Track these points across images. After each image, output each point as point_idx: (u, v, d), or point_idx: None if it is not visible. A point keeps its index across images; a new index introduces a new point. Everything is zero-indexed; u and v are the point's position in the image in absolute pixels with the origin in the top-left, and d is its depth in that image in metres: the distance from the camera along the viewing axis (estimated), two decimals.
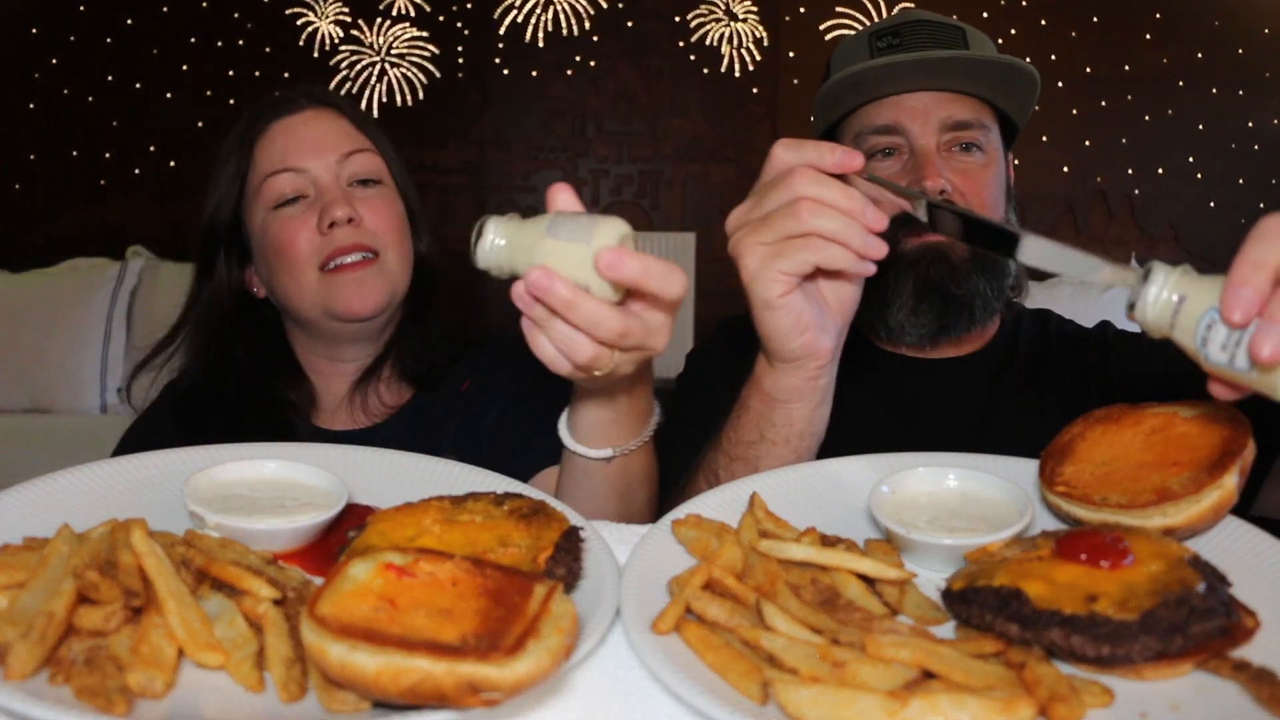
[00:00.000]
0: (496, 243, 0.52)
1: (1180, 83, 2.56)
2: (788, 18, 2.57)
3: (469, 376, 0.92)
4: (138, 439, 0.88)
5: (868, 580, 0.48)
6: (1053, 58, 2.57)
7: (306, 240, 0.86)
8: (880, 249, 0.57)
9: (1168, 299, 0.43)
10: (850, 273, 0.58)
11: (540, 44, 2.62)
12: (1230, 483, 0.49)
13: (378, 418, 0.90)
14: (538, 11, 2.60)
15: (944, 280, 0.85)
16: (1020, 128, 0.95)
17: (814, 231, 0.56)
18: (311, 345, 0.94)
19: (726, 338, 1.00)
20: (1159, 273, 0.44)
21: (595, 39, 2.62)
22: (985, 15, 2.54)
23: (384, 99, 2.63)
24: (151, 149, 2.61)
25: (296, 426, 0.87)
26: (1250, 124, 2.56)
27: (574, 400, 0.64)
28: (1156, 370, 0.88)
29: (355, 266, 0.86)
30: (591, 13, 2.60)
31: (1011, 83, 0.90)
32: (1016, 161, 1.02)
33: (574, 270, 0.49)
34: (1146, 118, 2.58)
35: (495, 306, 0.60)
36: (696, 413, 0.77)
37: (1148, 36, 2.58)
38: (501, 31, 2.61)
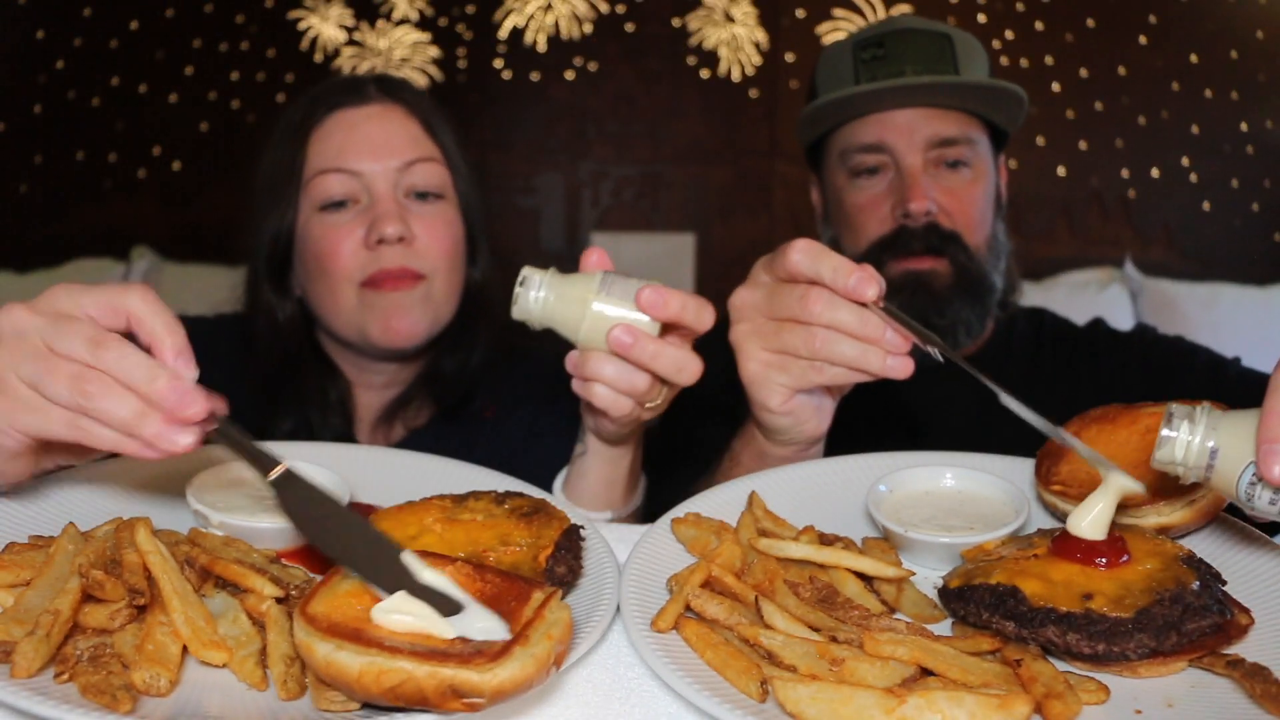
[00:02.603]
0: (541, 297, 0.55)
1: (1175, 86, 2.56)
2: (786, 21, 2.59)
3: (493, 403, 0.86)
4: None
5: (865, 578, 0.49)
6: (1048, 61, 2.58)
7: (350, 253, 0.78)
8: (904, 369, 0.54)
9: (1200, 448, 0.41)
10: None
11: (541, 47, 2.63)
12: None
13: (397, 440, 0.85)
14: (538, 15, 2.62)
15: (925, 309, 0.85)
16: (1010, 134, 0.95)
17: (826, 359, 0.55)
18: (340, 352, 0.87)
19: (725, 336, 1.01)
20: (1183, 422, 0.41)
21: (595, 42, 2.64)
22: (981, 19, 2.56)
23: None
24: (156, 151, 2.62)
25: (330, 431, 0.81)
26: (1244, 127, 2.56)
27: (575, 464, 0.64)
28: (1148, 367, 0.89)
29: (398, 286, 0.78)
30: (591, 16, 2.62)
31: (998, 99, 0.90)
32: (1013, 164, 1.02)
33: (626, 321, 0.53)
34: (1141, 120, 2.57)
35: (551, 339, 0.55)
36: (694, 412, 0.77)
37: (1142, 40, 2.58)
38: (502, 35, 2.63)
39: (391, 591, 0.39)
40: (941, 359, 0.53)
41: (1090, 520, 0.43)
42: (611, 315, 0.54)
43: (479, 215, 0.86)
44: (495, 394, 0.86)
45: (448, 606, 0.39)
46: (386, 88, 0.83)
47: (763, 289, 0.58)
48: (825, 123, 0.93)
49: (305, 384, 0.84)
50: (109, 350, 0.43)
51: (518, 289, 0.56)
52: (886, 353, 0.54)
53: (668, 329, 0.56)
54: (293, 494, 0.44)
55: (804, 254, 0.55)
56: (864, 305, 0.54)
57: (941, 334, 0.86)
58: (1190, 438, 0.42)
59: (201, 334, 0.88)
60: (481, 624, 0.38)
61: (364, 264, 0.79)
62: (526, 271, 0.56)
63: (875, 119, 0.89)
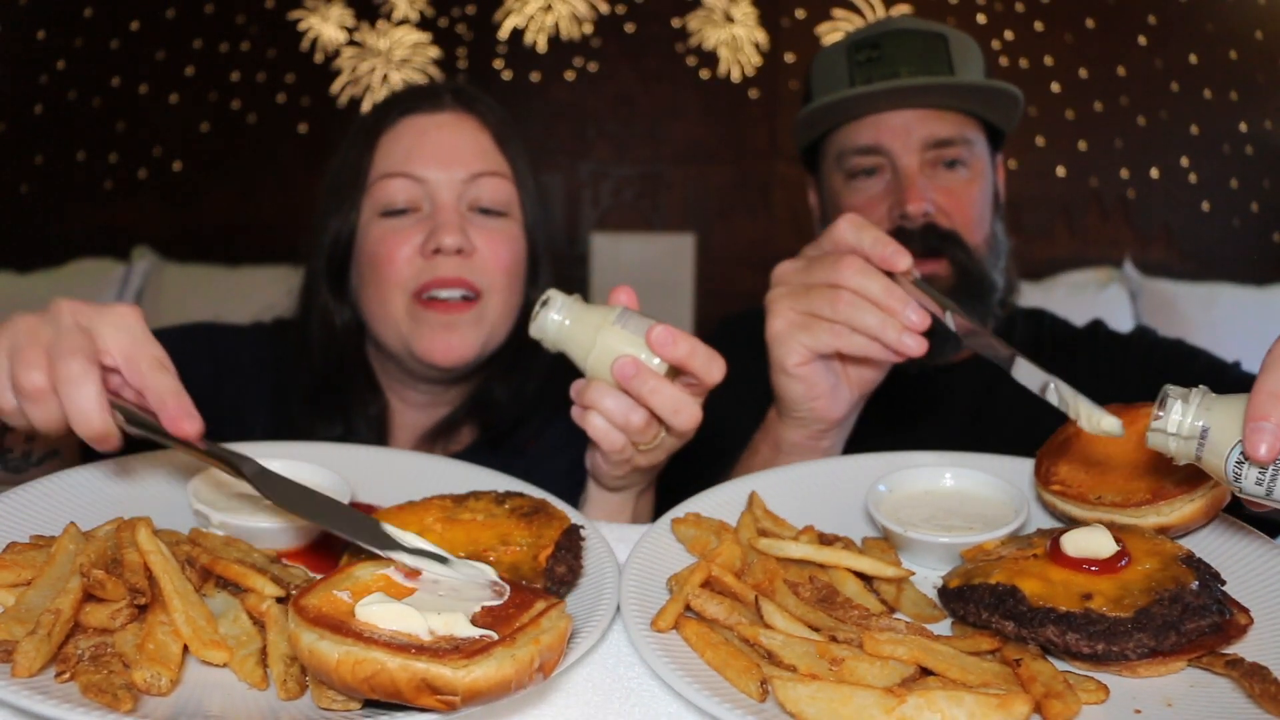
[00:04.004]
0: (560, 320, 0.57)
1: (1174, 86, 2.56)
2: (786, 22, 2.59)
3: (534, 437, 0.82)
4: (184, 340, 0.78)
5: (865, 578, 0.49)
6: (1047, 61, 2.58)
7: (405, 259, 0.75)
8: (917, 348, 0.57)
9: (1191, 428, 0.41)
10: (876, 360, 0.60)
11: (541, 48, 2.62)
12: None
13: None
14: (538, 15, 2.62)
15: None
16: (1007, 133, 0.95)
17: (847, 323, 0.58)
18: (384, 365, 0.82)
19: (726, 336, 1.00)
20: (1176, 402, 0.42)
21: (595, 43, 2.64)
22: (981, 20, 2.56)
23: None
24: (156, 151, 2.63)
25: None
26: (1243, 127, 2.55)
27: (584, 512, 0.64)
28: (1148, 370, 0.89)
29: (450, 307, 0.75)
30: (591, 17, 2.62)
31: (995, 99, 0.90)
32: (1013, 165, 1.01)
33: (633, 354, 0.56)
34: (1140, 121, 2.57)
35: None
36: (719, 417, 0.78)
37: (1142, 40, 2.58)
38: (502, 35, 2.62)
39: (386, 550, 0.42)
40: (953, 327, 0.55)
41: (1081, 551, 0.44)
42: (620, 346, 0.56)
43: (542, 236, 0.83)
44: (540, 428, 0.83)
45: (436, 559, 0.41)
46: (462, 98, 0.81)
47: (804, 259, 0.62)
48: (821, 125, 0.93)
49: (347, 394, 0.81)
50: (72, 381, 0.46)
51: (538, 308, 0.58)
52: (904, 328, 0.57)
53: (677, 376, 0.57)
54: (273, 485, 0.47)
55: (850, 224, 0.60)
56: (893, 277, 0.58)
57: (943, 335, 0.88)
58: (1182, 418, 0.42)
59: (232, 342, 0.85)
60: (468, 571, 0.41)
61: (418, 272, 0.76)
62: (551, 293, 0.58)
63: (871, 121, 0.89)
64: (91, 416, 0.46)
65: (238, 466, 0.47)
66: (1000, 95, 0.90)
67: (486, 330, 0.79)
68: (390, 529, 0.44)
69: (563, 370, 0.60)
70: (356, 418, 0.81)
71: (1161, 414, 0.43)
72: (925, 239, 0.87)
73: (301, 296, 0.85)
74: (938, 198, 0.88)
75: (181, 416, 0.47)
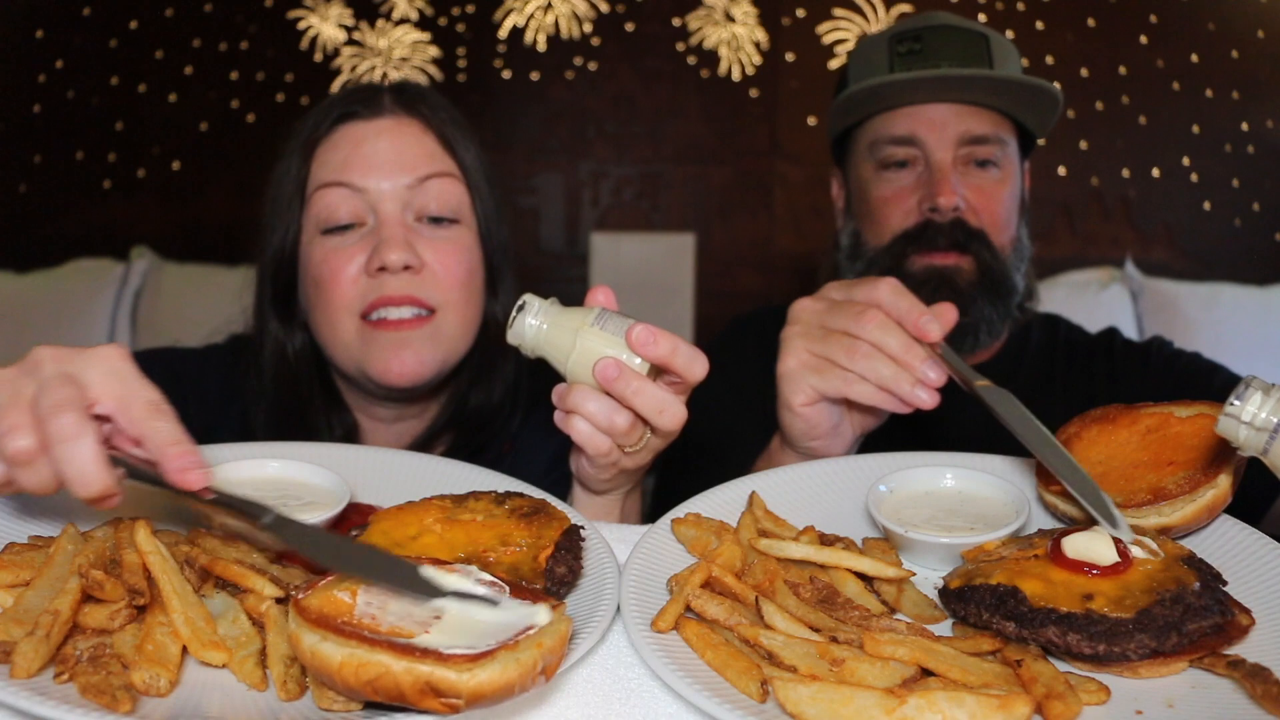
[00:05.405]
0: (537, 325, 0.56)
1: (1175, 85, 2.56)
2: (786, 21, 2.59)
3: (510, 438, 0.80)
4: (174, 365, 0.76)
5: (866, 578, 0.49)
6: (1048, 61, 2.58)
7: (350, 280, 0.71)
8: (930, 400, 0.57)
9: (1266, 420, 0.41)
10: (884, 409, 0.60)
11: (540, 47, 2.61)
12: (1224, 482, 0.50)
13: None
14: (538, 15, 2.62)
15: None
16: (1039, 138, 0.95)
17: (861, 374, 0.58)
18: (346, 385, 0.80)
19: (736, 336, 0.99)
20: (1256, 393, 0.41)
21: (595, 42, 2.64)
22: (983, 19, 2.57)
23: None
24: (155, 151, 2.63)
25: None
26: (1245, 126, 2.55)
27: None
28: (1164, 383, 0.88)
29: (402, 325, 0.71)
30: (591, 16, 2.62)
31: (1033, 99, 0.89)
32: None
33: (614, 355, 0.55)
34: (1142, 120, 2.57)
35: None
36: (699, 412, 0.78)
37: (1143, 39, 2.58)
38: (502, 34, 2.62)
39: (429, 598, 0.38)
40: (984, 400, 0.54)
41: (1081, 553, 0.44)
42: (600, 348, 0.55)
43: (500, 241, 0.78)
44: (514, 431, 0.81)
45: (486, 601, 0.38)
46: (403, 99, 0.76)
47: (825, 302, 0.62)
48: (857, 113, 0.92)
49: (312, 418, 0.79)
50: (66, 440, 0.42)
51: (515, 313, 0.57)
52: (918, 381, 0.57)
53: (659, 375, 0.57)
54: (297, 533, 0.44)
55: (891, 288, 0.59)
56: (922, 344, 0.57)
57: (963, 330, 0.86)
58: (1259, 409, 0.42)
59: (193, 367, 0.82)
60: (520, 610, 0.38)
61: (364, 292, 0.72)
62: (527, 298, 0.57)
63: (907, 112, 0.88)
64: (90, 477, 0.41)
65: (256, 516, 0.44)
66: (1040, 94, 0.89)
67: (444, 347, 0.74)
68: (430, 572, 0.39)
69: (530, 370, 0.59)
70: (324, 439, 0.78)
71: (1238, 401, 0.42)
72: (953, 234, 0.86)
73: (254, 319, 0.81)
74: (968, 195, 0.87)
75: (187, 468, 0.43)
